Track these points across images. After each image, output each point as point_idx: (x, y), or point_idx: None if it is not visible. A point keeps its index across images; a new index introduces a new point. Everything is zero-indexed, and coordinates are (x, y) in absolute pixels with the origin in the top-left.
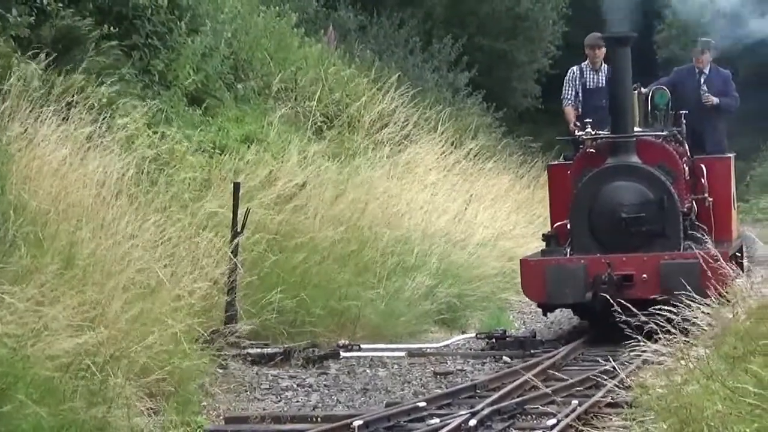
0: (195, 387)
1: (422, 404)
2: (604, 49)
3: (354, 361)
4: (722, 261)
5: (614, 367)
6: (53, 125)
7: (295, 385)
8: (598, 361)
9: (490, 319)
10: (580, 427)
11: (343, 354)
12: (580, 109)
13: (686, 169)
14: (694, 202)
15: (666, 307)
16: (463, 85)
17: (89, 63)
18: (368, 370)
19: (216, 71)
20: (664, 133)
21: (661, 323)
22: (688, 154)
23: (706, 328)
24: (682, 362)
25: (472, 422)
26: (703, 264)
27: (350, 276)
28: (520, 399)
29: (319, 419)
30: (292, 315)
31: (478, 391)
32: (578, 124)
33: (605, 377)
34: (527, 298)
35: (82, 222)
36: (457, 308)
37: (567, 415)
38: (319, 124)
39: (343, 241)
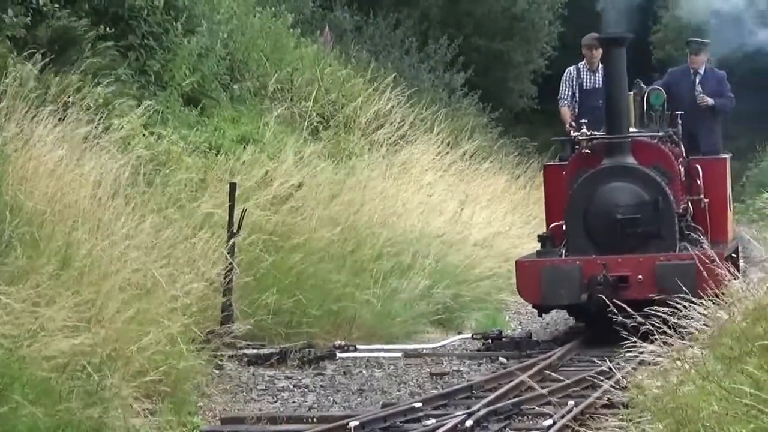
0: (191, 387)
1: (418, 405)
2: (601, 50)
3: (350, 362)
4: (718, 262)
5: (610, 368)
6: (49, 126)
7: (291, 386)
8: (594, 362)
9: (486, 320)
10: (577, 428)
11: (339, 355)
12: (576, 110)
13: (682, 170)
14: (689, 203)
15: (662, 308)
16: (459, 85)
17: (85, 64)
18: (364, 371)
19: (212, 72)
20: (659, 134)
21: (657, 324)
22: (684, 154)
23: (701, 328)
24: (678, 363)
25: (468, 423)
26: (698, 265)
27: (346, 277)
28: (516, 400)
29: (315, 420)
30: (288, 315)
31: (474, 391)
32: (574, 124)
33: (601, 378)
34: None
35: (78, 223)
36: (453, 309)
37: (563, 416)
38: (315, 124)
39: (340, 242)
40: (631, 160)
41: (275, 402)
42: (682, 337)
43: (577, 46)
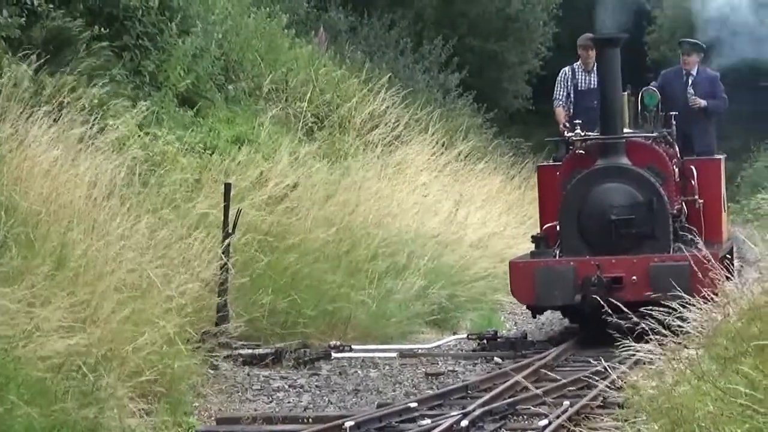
0: (186, 388)
1: (414, 405)
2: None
3: (345, 362)
4: (712, 263)
5: (605, 368)
6: (44, 126)
7: (286, 386)
8: (589, 362)
9: (481, 320)
10: (572, 428)
11: (334, 355)
12: (571, 110)
13: (676, 170)
14: (684, 204)
15: (657, 308)
16: (454, 86)
17: (80, 64)
18: (360, 371)
19: (207, 72)
20: (653, 135)
21: (652, 324)
22: (678, 155)
23: (696, 328)
24: (674, 363)
25: (464, 423)
26: (693, 266)
27: (342, 277)
28: (511, 400)
29: (310, 420)
30: (284, 316)
31: (469, 391)
32: (568, 125)
33: (596, 378)
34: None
35: (74, 223)
36: (449, 309)
37: (558, 416)
38: (310, 125)
39: (335, 242)
40: (625, 160)
41: (270, 402)
42: (677, 336)
43: (572, 46)
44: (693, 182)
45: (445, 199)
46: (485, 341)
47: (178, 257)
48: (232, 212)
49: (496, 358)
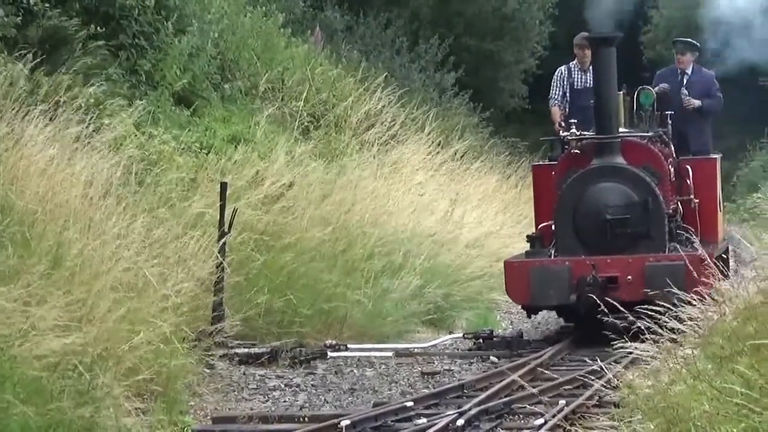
0: (182, 387)
1: (409, 404)
2: None
3: (341, 361)
4: (708, 262)
5: (601, 368)
6: (40, 125)
7: (282, 385)
8: (585, 362)
9: (477, 319)
10: (568, 427)
11: (330, 354)
12: (567, 109)
13: (672, 170)
14: (679, 204)
15: (652, 307)
16: (450, 85)
17: (76, 63)
18: (355, 370)
19: (203, 71)
20: (649, 134)
21: (648, 323)
22: (674, 155)
23: (691, 328)
24: (669, 362)
25: (460, 422)
26: (688, 266)
27: (338, 276)
28: (507, 399)
29: (306, 419)
30: (279, 315)
31: (465, 391)
32: (563, 124)
33: (592, 377)
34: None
35: (70, 222)
36: (445, 308)
37: (554, 415)
38: (306, 124)
39: (331, 242)
40: (620, 160)
41: (266, 401)
42: (674, 336)
43: (568, 45)
44: (688, 182)
45: (441, 199)
46: (481, 340)
47: (174, 256)
48: (228, 211)
49: (492, 358)
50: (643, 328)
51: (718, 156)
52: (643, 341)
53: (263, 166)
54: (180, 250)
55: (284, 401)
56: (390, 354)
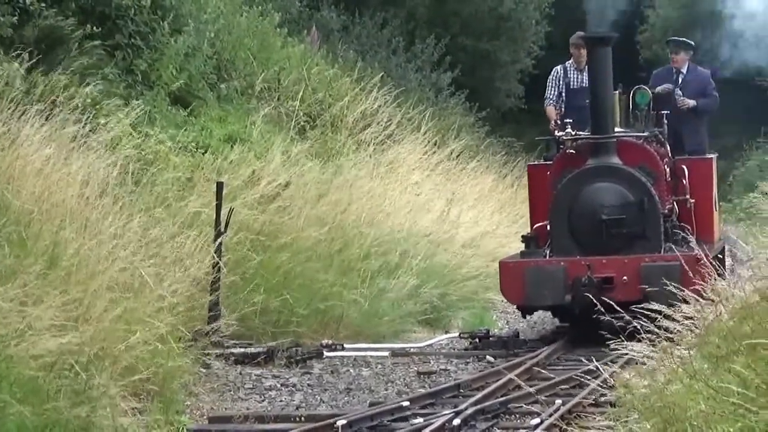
0: (179, 386)
1: (406, 404)
2: None
3: (337, 361)
4: (704, 262)
5: (597, 367)
6: (36, 125)
7: (278, 385)
8: (581, 361)
9: (473, 319)
10: (564, 427)
11: (326, 354)
12: (562, 109)
13: (667, 170)
14: (675, 204)
15: (648, 307)
16: (446, 85)
17: (72, 63)
18: (352, 370)
19: (199, 71)
20: (645, 134)
21: (644, 323)
22: (670, 155)
23: (687, 328)
24: (666, 362)
25: (456, 422)
26: (684, 266)
27: (334, 276)
28: (503, 398)
29: (302, 419)
30: (276, 315)
31: (461, 390)
32: (558, 123)
33: (589, 377)
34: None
35: (66, 222)
36: (441, 308)
37: (551, 415)
38: (302, 123)
39: (327, 241)
40: (616, 160)
41: (262, 401)
42: (670, 335)
43: (564, 45)
44: (684, 182)
45: (438, 198)
46: (477, 340)
47: (171, 256)
48: (224, 211)
49: (488, 357)
50: (639, 327)
51: (714, 156)
52: (639, 341)
53: (259, 166)
54: (176, 249)
55: (280, 401)
56: (386, 354)
